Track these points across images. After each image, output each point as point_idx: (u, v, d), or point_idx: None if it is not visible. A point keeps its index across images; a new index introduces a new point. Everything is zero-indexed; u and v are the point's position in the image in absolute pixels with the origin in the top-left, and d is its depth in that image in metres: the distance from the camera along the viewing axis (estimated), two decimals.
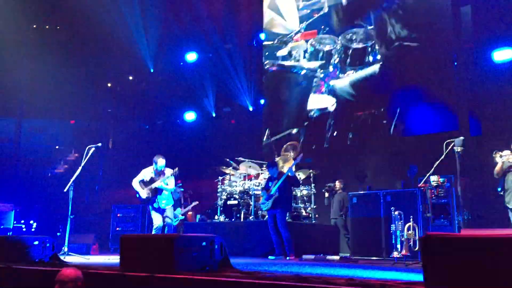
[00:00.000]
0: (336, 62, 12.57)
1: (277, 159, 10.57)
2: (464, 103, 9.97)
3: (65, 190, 7.79)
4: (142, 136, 15.94)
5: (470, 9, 10.25)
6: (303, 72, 13.32)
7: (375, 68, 11.66)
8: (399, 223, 7.39)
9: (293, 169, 8.52)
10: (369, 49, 11.84)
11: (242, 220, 9.93)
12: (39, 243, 5.87)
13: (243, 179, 10.56)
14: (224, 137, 14.41)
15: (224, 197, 10.40)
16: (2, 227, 10.75)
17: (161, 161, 8.27)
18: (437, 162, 7.07)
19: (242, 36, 14.47)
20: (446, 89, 10.08)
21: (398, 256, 7.23)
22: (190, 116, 15.34)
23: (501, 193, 7.62)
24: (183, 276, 4.05)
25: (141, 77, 16.12)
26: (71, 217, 8.18)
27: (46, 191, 13.93)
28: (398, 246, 7.29)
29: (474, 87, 10.07)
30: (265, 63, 14.08)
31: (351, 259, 7.99)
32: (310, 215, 10.25)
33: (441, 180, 7.47)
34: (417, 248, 7.03)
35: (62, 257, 6.88)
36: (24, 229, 11.39)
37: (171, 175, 8.28)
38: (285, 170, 8.77)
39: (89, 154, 8.03)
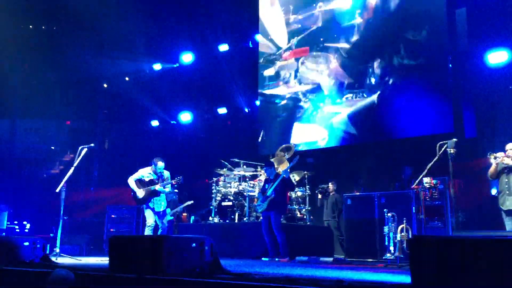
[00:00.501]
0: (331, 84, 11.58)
1: (271, 160, 10.55)
2: (458, 105, 9.96)
3: (57, 190, 7.76)
4: (137, 137, 15.90)
5: (465, 12, 10.24)
6: (283, 102, 12.50)
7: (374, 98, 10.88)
8: (393, 225, 7.38)
9: (288, 171, 8.53)
10: (370, 70, 11.05)
11: (236, 221, 9.91)
12: (29, 244, 5.82)
13: (237, 180, 10.55)
14: (220, 138, 14.37)
15: (219, 198, 10.39)
16: None
17: (160, 164, 8.51)
18: (430, 164, 7.07)
19: (237, 37, 14.42)
20: (440, 90, 10.06)
21: (391, 258, 7.21)
22: (186, 117, 15.31)
23: (496, 195, 7.61)
24: (172, 277, 4.03)
25: (137, 78, 16.09)
26: (64, 218, 8.17)
27: (40, 192, 13.88)
28: (391, 248, 7.28)
29: (469, 89, 10.07)
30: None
31: (345, 261, 7.98)
32: (305, 217, 10.25)
33: (434, 182, 7.44)
34: None
35: (53, 258, 6.85)
36: (17, 230, 11.33)
37: (172, 181, 8.53)
38: (280, 171, 8.77)
39: (82, 155, 8.00)
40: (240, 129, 14.31)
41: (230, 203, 10.19)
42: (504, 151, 7.51)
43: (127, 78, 16.38)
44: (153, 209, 8.46)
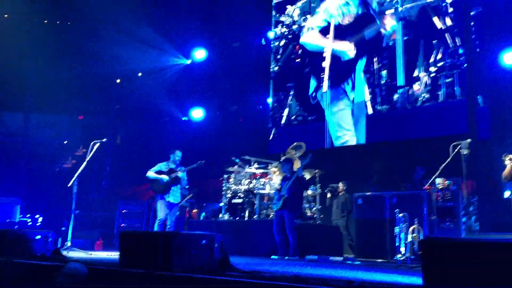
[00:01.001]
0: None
1: (283, 158, 10.51)
2: (473, 106, 9.85)
3: (69, 185, 7.82)
4: (150, 133, 15.96)
5: (480, 12, 10.11)
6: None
7: None
8: (404, 225, 7.31)
9: (301, 169, 8.55)
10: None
11: (246, 219, 9.90)
12: (41, 237, 5.88)
13: (248, 178, 10.53)
14: (231, 135, 14.35)
15: (229, 195, 10.38)
16: (8, 220, 10.80)
17: (179, 153, 8.96)
18: (443, 165, 7.00)
19: (250, 34, 14.40)
20: (453, 91, 9.94)
21: (402, 258, 7.15)
22: (197, 113, 15.33)
23: (510, 197, 7.50)
24: (181, 274, 4.03)
25: (150, 74, 16.12)
26: (76, 212, 8.23)
27: (53, 186, 13.97)
28: (402, 248, 7.21)
29: (483, 89, 9.94)
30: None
31: (354, 261, 7.92)
32: (315, 215, 10.20)
33: (446, 182, 7.37)
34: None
35: (64, 252, 6.91)
36: (29, 223, 11.43)
37: (194, 164, 9.02)
38: (295, 169, 8.78)
39: (94, 149, 8.05)
40: (252, 127, 14.28)
41: (241, 201, 10.18)
42: None
43: (139, 74, 16.44)
44: (168, 202, 8.61)
